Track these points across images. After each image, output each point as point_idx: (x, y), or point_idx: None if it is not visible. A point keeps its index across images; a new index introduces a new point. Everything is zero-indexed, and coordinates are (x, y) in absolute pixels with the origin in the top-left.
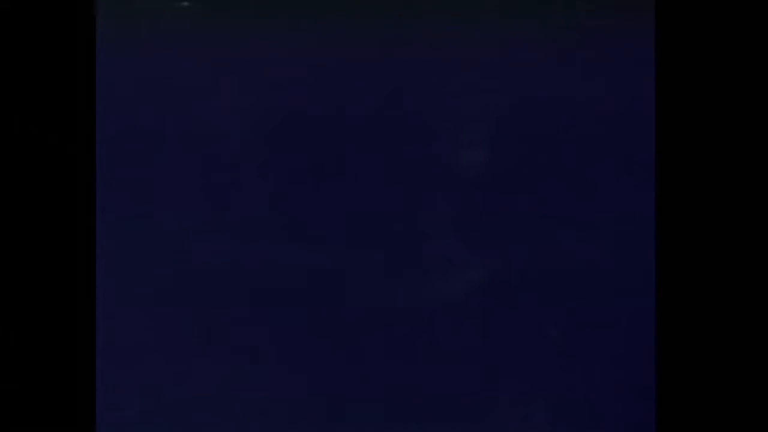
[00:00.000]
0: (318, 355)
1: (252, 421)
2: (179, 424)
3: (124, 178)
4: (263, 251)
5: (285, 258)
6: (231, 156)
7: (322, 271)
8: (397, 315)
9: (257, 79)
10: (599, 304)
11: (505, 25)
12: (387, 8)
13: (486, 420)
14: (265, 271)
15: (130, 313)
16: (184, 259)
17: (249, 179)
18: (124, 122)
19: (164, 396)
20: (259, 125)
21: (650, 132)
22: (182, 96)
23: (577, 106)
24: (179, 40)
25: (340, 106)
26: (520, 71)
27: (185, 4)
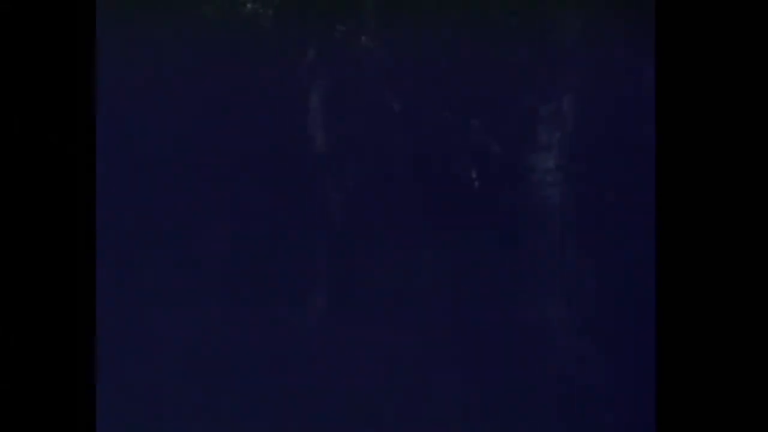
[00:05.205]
0: (316, 358)
1: (251, 421)
2: (178, 424)
3: (124, 178)
4: (263, 250)
5: (284, 256)
6: (231, 156)
7: (321, 273)
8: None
9: (258, 79)
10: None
11: (504, 27)
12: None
13: None
14: (264, 270)
15: (130, 313)
16: (184, 257)
17: (249, 179)
18: (124, 122)
19: (164, 396)
20: (260, 125)
21: (651, 132)
22: (182, 96)
23: (577, 107)
24: (179, 40)
25: (347, 115)
26: (518, 72)
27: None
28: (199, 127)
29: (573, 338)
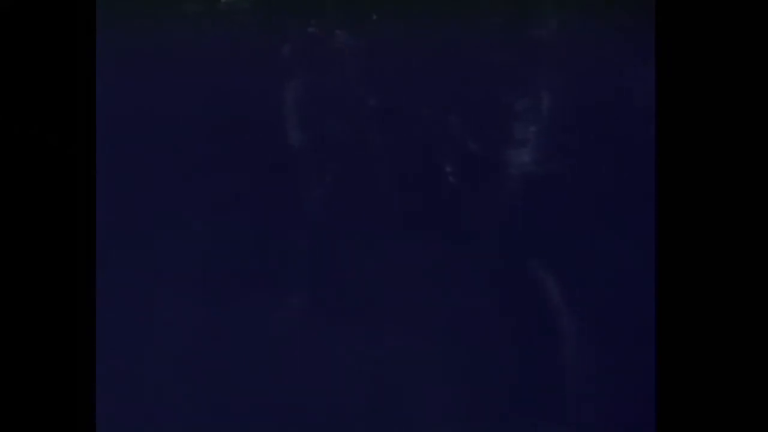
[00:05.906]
0: (297, 355)
1: (251, 422)
2: (178, 425)
3: (124, 178)
4: (262, 249)
5: (285, 255)
6: (231, 155)
7: (319, 267)
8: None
9: (260, 80)
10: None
11: (505, 26)
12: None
13: None
14: (265, 270)
15: (129, 313)
16: (184, 257)
17: (226, 176)
18: (124, 122)
19: (163, 396)
20: (262, 126)
21: (650, 131)
22: (182, 97)
23: (577, 106)
24: (179, 41)
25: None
26: (518, 72)
27: (185, 6)
28: (202, 127)
29: (558, 336)
